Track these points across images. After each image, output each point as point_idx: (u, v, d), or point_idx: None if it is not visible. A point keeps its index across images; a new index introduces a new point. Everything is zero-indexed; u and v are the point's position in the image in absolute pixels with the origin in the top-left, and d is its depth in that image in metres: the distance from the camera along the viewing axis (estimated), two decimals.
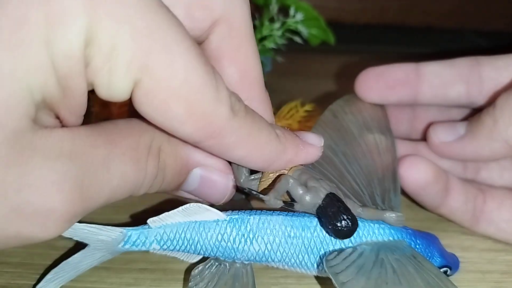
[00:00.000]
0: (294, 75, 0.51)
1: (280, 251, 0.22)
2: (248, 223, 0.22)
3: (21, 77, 0.15)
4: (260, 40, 0.36)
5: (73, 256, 0.22)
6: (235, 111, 0.19)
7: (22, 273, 0.23)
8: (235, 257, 0.23)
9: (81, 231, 0.21)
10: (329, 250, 0.22)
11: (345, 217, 0.21)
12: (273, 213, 0.23)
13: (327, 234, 0.22)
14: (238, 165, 0.22)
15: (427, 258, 0.22)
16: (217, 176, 0.22)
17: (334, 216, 0.21)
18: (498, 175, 0.28)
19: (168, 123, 0.18)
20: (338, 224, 0.21)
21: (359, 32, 0.61)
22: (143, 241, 0.22)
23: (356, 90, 0.30)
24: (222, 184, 0.22)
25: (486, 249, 0.26)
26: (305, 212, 0.22)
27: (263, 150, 0.20)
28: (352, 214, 0.21)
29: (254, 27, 0.37)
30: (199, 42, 0.21)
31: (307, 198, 0.21)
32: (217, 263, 0.23)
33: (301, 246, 0.22)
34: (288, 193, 0.21)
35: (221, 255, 0.23)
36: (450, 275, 0.23)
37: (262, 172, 0.22)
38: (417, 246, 0.23)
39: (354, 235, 0.21)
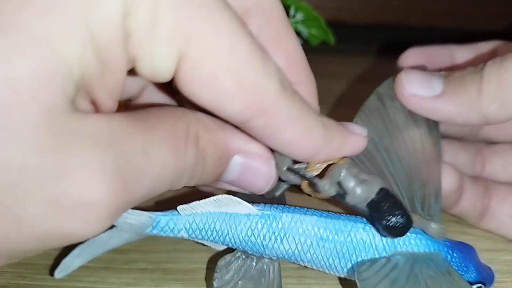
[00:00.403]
0: None
1: (310, 253, 0.22)
2: (280, 221, 0.22)
3: (57, 46, 0.14)
4: None
5: (100, 235, 0.21)
6: (284, 86, 0.17)
7: (22, 273, 0.23)
8: (264, 253, 0.22)
9: None
10: (361, 256, 0.21)
11: (400, 213, 0.19)
12: (307, 212, 0.22)
13: (360, 240, 0.21)
14: (281, 154, 0.20)
15: (462, 273, 0.22)
16: (259, 163, 0.21)
17: (388, 211, 0.19)
18: (502, 170, 0.28)
19: (216, 100, 0.17)
20: (392, 220, 0.19)
21: (359, 32, 0.61)
22: (171, 227, 0.22)
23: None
24: (265, 171, 0.21)
25: (486, 249, 0.26)
26: (354, 207, 0.21)
27: (311, 135, 0.19)
28: (407, 211, 0.20)
29: None
30: None
31: (359, 190, 0.20)
32: (244, 256, 0.22)
33: (333, 249, 0.22)
34: (338, 184, 0.20)
35: (249, 249, 0.22)
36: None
37: (307, 163, 0.21)
38: (453, 260, 0.22)
39: (389, 243, 0.21)
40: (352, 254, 0.22)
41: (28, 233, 0.15)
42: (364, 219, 0.22)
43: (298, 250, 0.22)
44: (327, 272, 0.22)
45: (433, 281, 0.20)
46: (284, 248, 0.22)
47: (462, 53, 0.28)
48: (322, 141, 0.19)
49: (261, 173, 0.21)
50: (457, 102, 0.23)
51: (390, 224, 0.20)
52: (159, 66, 0.16)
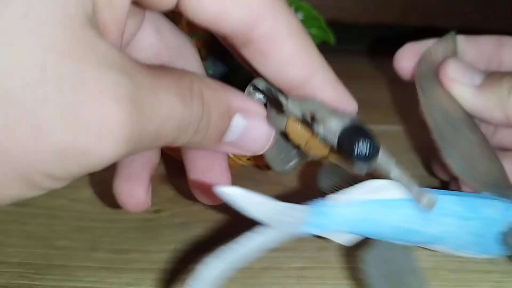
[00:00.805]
0: None
1: (455, 236, 0.22)
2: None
3: None
4: None
5: (241, 240, 0.19)
6: None
7: (23, 273, 0.23)
8: (411, 241, 0.22)
9: (261, 206, 0.18)
10: (495, 230, 0.22)
11: (369, 140, 0.19)
12: (440, 192, 0.22)
13: (491, 214, 0.22)
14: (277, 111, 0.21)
15: None
16: (259, 121, 0.21)
17: (358, 137, 0.19)
18: (510, 175, 0.28)
19: (220, 7, 0.17)
20: (364, 145, 0.19)
21: (359, 32, 0.61)
22: (325, 223, 0.20)
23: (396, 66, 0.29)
24: (265, 128, 0.21)
25: None
26: (322, 138, 0.20)
27: (309, 51, 0.19)
28: (375, 139, 0.19)
29: None
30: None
31: (332, 119, 0.19)
32: (384, 246, 0.21)
33: (474, 227, 0.22)
34: (311, 116, 0.20)
35: (398, 238, 0.21)
36: None
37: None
38: None
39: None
40: (485, 231, 0.22)
41: (45, 143, 0.14)
42: (488, 199, 0.23)
43: (446, 233, 0.22)
44: (461, 253, 0.23)
45: None
46: (433, 232, 0.21)
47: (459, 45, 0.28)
48: (318, 60, 0.20)
49: (262, 131, 0.21)
50: (488, 97, 0.24)
51: (361, 150, 0.19)
52: None
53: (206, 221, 0.28)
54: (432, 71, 0.27)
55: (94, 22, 0.16)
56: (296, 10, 0.37)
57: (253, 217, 0.18)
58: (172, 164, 0.34)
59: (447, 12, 0.56)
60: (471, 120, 0.26)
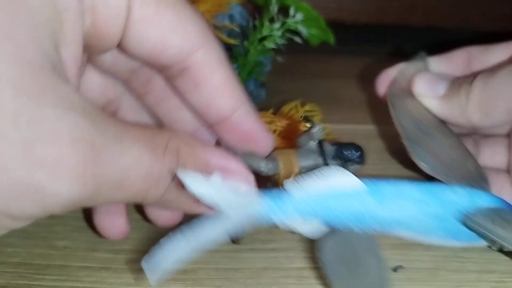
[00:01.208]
0: (294, 75, 0.51)
1: (413, 219, 0.23)
2: (383, 189, 0.22)
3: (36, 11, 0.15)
4: (260, 40, 0.36)
5: (197, 227, 0.19)
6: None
7: (22, 273, 0.23)
8: (366, 226, 0.22)
9: (218, 191, 0.19)
10: (451, 215, 0.23)
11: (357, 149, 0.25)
12: (396, 180, 0.23)
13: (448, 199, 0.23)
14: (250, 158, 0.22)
15: None
16: (239, 180, 0.20)
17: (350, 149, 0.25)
18: (489, 159, 0.30)
19: (160, 35, 0.19)
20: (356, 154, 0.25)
21: (359, 32, 0.61)
22: (281, 208, 0.21)
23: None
24: (244, 188, 0.21)
25: (486, 249, 0.26)
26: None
27: (234, 84, 0.21)
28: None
29: (254, 27, 0.37)
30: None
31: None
32: (342, 234, 0.22)
33: (431, 211, 0.23)
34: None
35: (352, 223, 0.22)
36: None
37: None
38: None
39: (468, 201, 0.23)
40: (445, 214, 0.23)
41: (1, 179, 0.14)
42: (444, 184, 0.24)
43: (401, 217, 0.23)
44: (427, 239, 0.24)
45: None
46: (386, 215, 0.22)
47: (432, 64, 0.31)
48: (243, 91, 0.21)
49: (247, 185, 0.21)
50: (450, 106, 0.27)
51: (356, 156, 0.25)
52: (113, 6, 0.17)
53: None
54: (403, 88, 0.30)
55: (56, 62, 0.16)
56: (296, 10, 0.37)
57: (210, 202, 0.19)
58: None
59: (447, 12, 0.55)
60: (444, 125, 0.28)
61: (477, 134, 0.31)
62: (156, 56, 0.19)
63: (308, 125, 0.25)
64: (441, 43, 0.34)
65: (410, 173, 0.34)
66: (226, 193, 0.20)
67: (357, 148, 0.25)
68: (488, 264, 0.25)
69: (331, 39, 0.44)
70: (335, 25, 0.45)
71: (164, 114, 0.23)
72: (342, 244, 0.22)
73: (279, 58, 0.39)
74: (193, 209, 0.21)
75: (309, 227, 0.22)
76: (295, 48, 0.41)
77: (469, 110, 0.26)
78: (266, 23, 0.36)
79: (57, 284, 0.23)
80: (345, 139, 0.38)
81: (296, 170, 0.23)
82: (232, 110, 0.21)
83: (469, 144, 0.30)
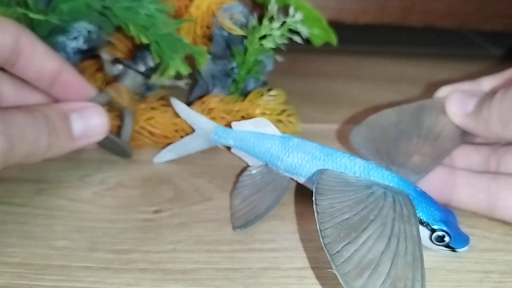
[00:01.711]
0: (294, 75, 0.51)
1: (306, 167, 0.28)
2: (292, 141, 0.30)
3: None
4: (259, 39, 0.36)
5: (184, 138, 0.33)
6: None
7: (22, 273, 0.23)
8: (277, 165, 0.30)
9: (190, 115, 0.32)
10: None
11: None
12: (311, 141, 0.29)
13: (343, 164, 0.27)
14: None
15: (426, 213, 0.25)
16: (92, 108, 0.29)
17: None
18: None
19: None
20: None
21: (359, 32, 0.61)
22: (225, 136, 0.32)
23: None
24: (98, 110, 0.29)
25: (486, 249, 0.26)
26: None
27: (55, 55, 0.29)
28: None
29: (253, 26, 0.37)
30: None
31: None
32: (266, 169, 0.30)
33: (323, 167, 0.28)
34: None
35: (268, 161, 0.30)
36: (456, 249, 0.25)
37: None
38: (418, 199, 0.25)
39: (365, 173, 0.27)
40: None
41: None
42: (348, 154, 0.28)
43: (298, 164, 0.29)
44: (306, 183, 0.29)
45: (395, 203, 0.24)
46: (291, 161, 0.29)
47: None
48: (61, 58, 0.29)
49: (98, 112, 0.29)
50: (476, 121, 0.28)
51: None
52: None
53: (206, 221, 0.28)
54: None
55: None
56: (297, 9, 0.37)
57: (188, 121, 0.33)
58: (172, 165, 0.34)
59: (447, 12, 0.55)
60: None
61: (501, 144, 0.32)
62: None
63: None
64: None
65: None
66: (196, 117, 0.32)
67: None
68: (488, 264, 0.25)
69: (333, 39, 0.44)
70: (335, 25, 0.45)
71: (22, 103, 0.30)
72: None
73: (279, 58, 0.39)
74: (72, 145, 0.28)
75: (244, 156, 0.32)
76: (295, 48, 0.41)
77: (491, 123, 0.27)
78: (266, 22, 0.36)
79: (57, 284, 0.23)
80: (345, 139, 0.38)
81: (124, 90, 0.33)
82: (59, 68, 0.29)
83: (483, 153, 0.31)
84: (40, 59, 0.28)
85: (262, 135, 0.30)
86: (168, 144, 0.34)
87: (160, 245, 0.26)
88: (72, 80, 0.30)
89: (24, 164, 0.25)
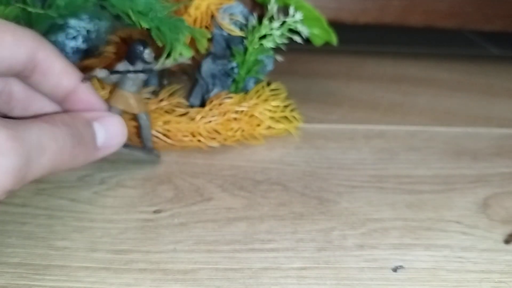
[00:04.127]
0: (294, 75, 0.51)
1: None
2: None
3: None
4: (259, 39, 0.36)
5: None
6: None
7: (22, 273, 0.23)
8: None
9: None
10: None
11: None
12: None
13: None
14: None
15: None
16: (110, 116, 0.28)
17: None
18: None
19: (8, 50, 0.25)
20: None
21: (359, 32, 0.61)
22: None
23: None
24: (117, 118, 0.28)
25: (486, 249, 0.26)
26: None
27: (72, 68, 0.28)
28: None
29: (253, 26, 0.37)
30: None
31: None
32: None
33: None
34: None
35: None
36: None
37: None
38: None
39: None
40: None
41: None
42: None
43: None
44: None
45: None
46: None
47: None
48: (78, 73, 0.28)
49: (117, 121, 0.28)
50: None
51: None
52: None
53: (206, 221, 0.28)
54: None
55: None
56: (297, 9, 0.37)
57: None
58: (172, 165, 0.34)
59: (447, 12, 0.55)
60: None
61: None
62: (12, 68, 0.25)
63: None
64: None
65: (409, 172, 0.34)
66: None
67: (143, 43, 0.31)
68: (488, 264, 0.25)
69: (334, 39, 0.44)
70: (335, 25, 0.45)
71: (31, 114, 0.29)
72: None
73: (279, 58, 0.39)
74: (97, 155, 0.27)
75: None
76: (295, 48, 0.41)
77: None
78: (266, 22, 0.36)
79: (57, 284, 0.23)
80: (345, 139, 0.38)
81: (130, 97, 0.32)
82: (75, 85, 0.28)
83: None
84: (55, 76, 0.27)
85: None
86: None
87: (160, 245, 0.26)
88: (87, 98, 0.29)
89: (50, 175, 0.24)
